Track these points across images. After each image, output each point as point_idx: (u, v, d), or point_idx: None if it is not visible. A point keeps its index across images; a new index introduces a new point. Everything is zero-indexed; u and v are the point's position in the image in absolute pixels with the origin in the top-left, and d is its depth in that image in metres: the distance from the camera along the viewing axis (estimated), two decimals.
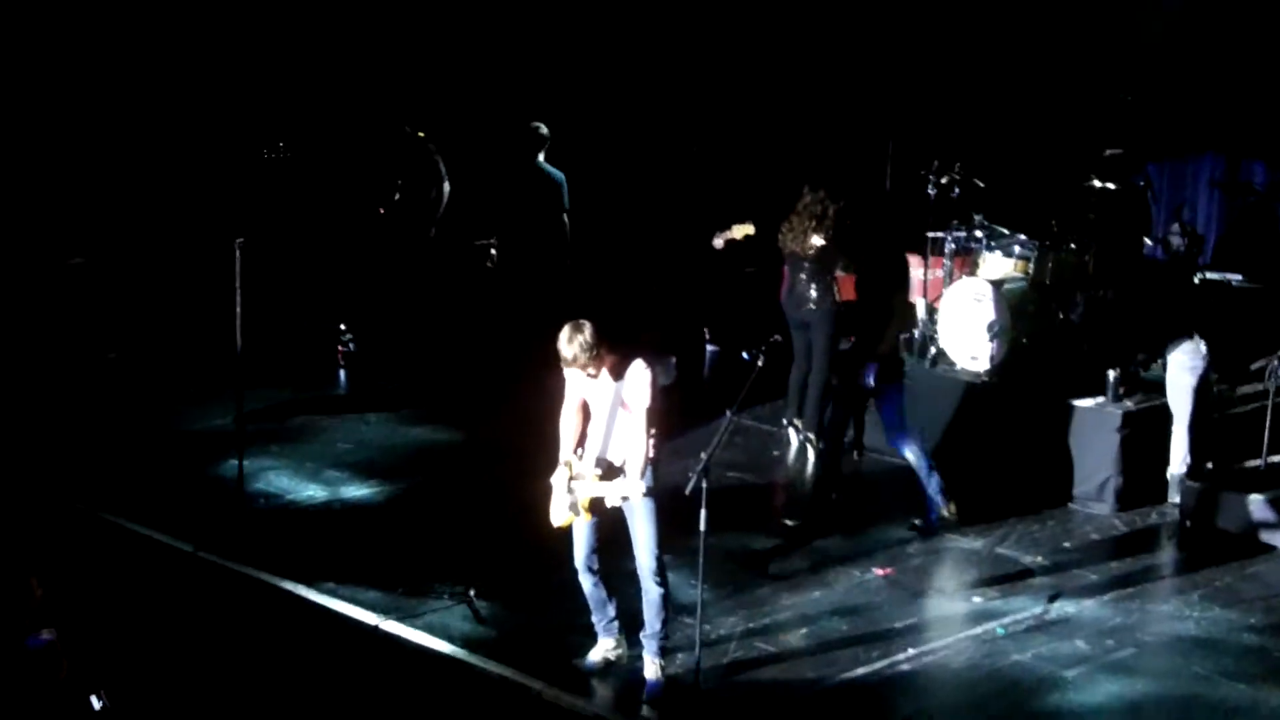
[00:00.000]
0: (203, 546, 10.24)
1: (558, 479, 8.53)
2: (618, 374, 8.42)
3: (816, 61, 16.06)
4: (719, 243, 13.34)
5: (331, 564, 10.07)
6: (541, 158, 13.91)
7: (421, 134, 14.99)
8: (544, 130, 13.93)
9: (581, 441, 8.60)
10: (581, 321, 8.35)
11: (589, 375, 8.41)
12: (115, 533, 10.59)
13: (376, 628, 9.30)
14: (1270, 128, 14.43)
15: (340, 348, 14.62)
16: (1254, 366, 11.25)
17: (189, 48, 15.36)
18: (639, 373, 8.39)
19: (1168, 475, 11.44)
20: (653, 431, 8.42)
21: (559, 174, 13.94)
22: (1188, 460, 11.31)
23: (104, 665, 8.21)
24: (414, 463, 12.13)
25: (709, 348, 15.49)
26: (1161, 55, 14.60)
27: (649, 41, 16.48)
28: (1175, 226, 13.58)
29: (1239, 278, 13.22)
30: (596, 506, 8.46)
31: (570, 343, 8.30)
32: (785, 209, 12.49)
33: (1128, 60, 14.61)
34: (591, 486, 8.40)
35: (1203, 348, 11.22)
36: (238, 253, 10.45)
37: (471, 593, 9.53)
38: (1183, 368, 11.26)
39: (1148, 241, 13.83)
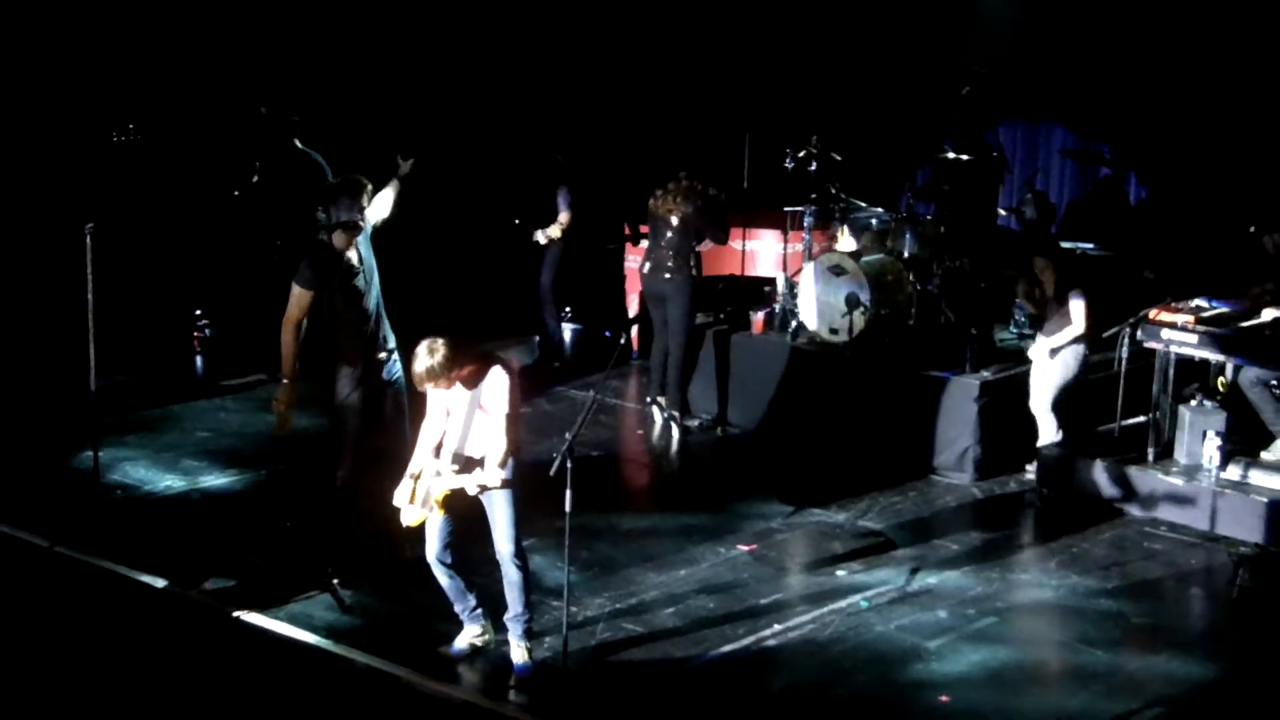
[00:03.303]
0: (59, 541, 10.04)
1: (408, 479, 8.45)
2: (474, 383, 8.32)
3: (666, 52, 16.10)
4: (541, 238, 13.54)
5: (191, 555, 9.93)
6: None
7: (266, 111, 14.78)
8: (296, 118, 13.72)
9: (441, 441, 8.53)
10: (435, 341, 8.21)
11: (447, 388, 8.33)
12: None
13: (238, 619, 9.18)
14: (1112, 110, 14.68)
15: (196, 334, 14.44)
16: (1106, 334, 11.40)
17: (30, 28, 15.03)
18: (497, 379, 8.31)
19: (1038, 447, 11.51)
20: (514, 435, 8.38)
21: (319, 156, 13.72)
22: (1058, 435, 11.39)
23: None
24: (274, 449, 11.96)
25: (570, 326, 15.47)
26: (1011, 29, 14.79)
27: (510, 38, 16.45)
28: (1029, 196, 13.75)
29: (1091, 246, 13.42)
30: (453, 499, 8.40)
31: (423, 365, 8.16)
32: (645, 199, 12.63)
33: (978, 34, 14.78)
34: (448, 480, 8.33)
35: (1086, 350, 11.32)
36: (88, 239, 10.26)
37: (335, 581, 9.45)
38: (1068, 366, 11.31)
39: (1001, 211, 14.03)
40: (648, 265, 12.60)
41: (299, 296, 9.51)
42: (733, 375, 12.87)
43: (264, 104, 14.27)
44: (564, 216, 13.88)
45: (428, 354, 8.17)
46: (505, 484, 8.37)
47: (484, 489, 8.30)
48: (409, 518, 8.46)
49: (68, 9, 15.10)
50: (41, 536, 10.13)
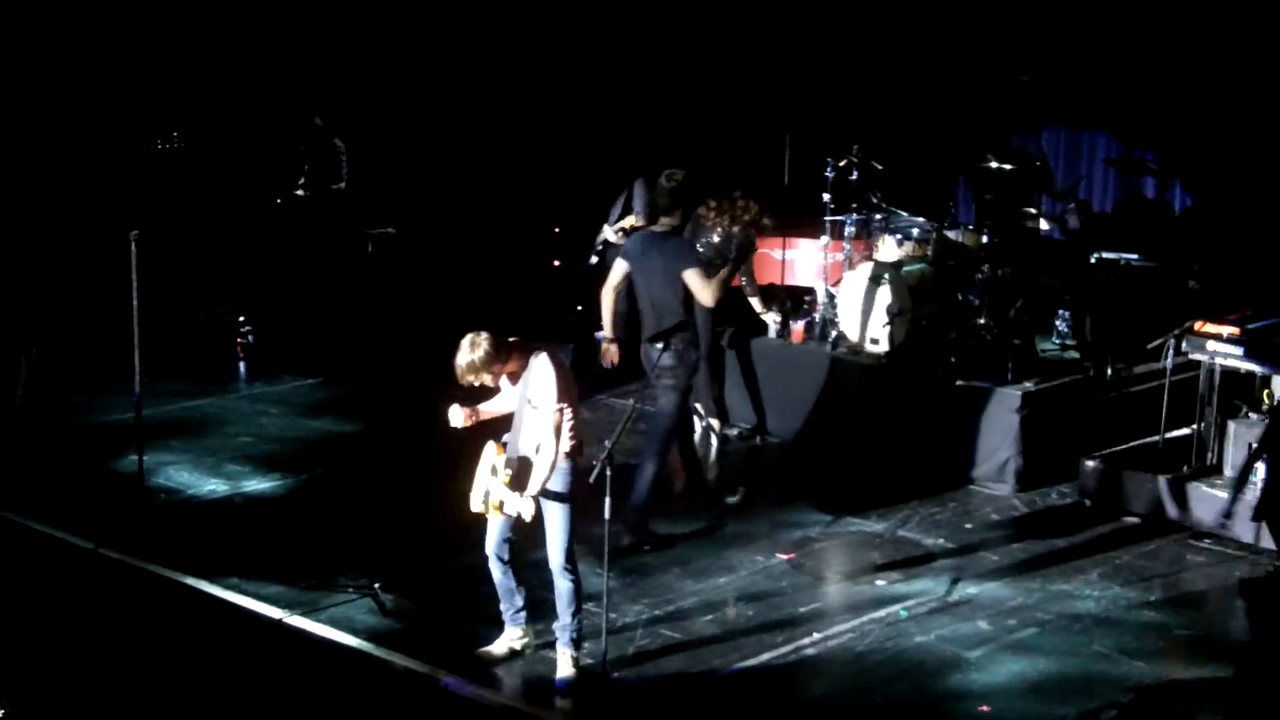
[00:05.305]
0: (104, 543, 10.12)
1: (482, 467, 8.40)
2: (521, 377, 8.27)
3: (707, 61, 16.11)
4: (610, 235, 13.49)
5: (234, 559, 9.99)
6: None
7: (321, 122, 14.90)
8: None
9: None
10: (478, 335, 8.14)
11: (493, 384, 8.28)
12: (14, 530, 10.45)
13: (281, 622, 9.24)
14: (1157, 118, 14.60)
15: (239, 340, 14.52)
16: (1151, 345, 11.35)
17: (75, 38, 15.16)
18: (541, 368, 8.21)
19: None
20: (571, 426, 8.30)
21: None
22: None
23: (3, 668, 8.14)
24: (315, 454, 12.05)
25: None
26: (1058, 35, 14.74)
27: (555, 44, 16.53)
28: (1072, 205, 13.68)
29: (1135, 256, 13.35)
30: (503, 507, 8.40)
31: (464, 359, 8.09)
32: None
33: (1023, 41, 14.74)
34: (500, 489, 8.32)
35: None
36: (133, 245, 10.36)
37: (376, 585, 9.50)
38: None
39: (1044, 222, 13.97)
40: None
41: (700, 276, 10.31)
42: (772, 384, 12.85)
43: (317, 113, 14.40)
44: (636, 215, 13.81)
45: (469, 348, 8.11)
46: (562, 496, 8.35)
47: (518, 513, 8.27)
48: (473, 505, 8.43)
49: (112, 19, 15.22)
50: (86, 539, 10.22)
